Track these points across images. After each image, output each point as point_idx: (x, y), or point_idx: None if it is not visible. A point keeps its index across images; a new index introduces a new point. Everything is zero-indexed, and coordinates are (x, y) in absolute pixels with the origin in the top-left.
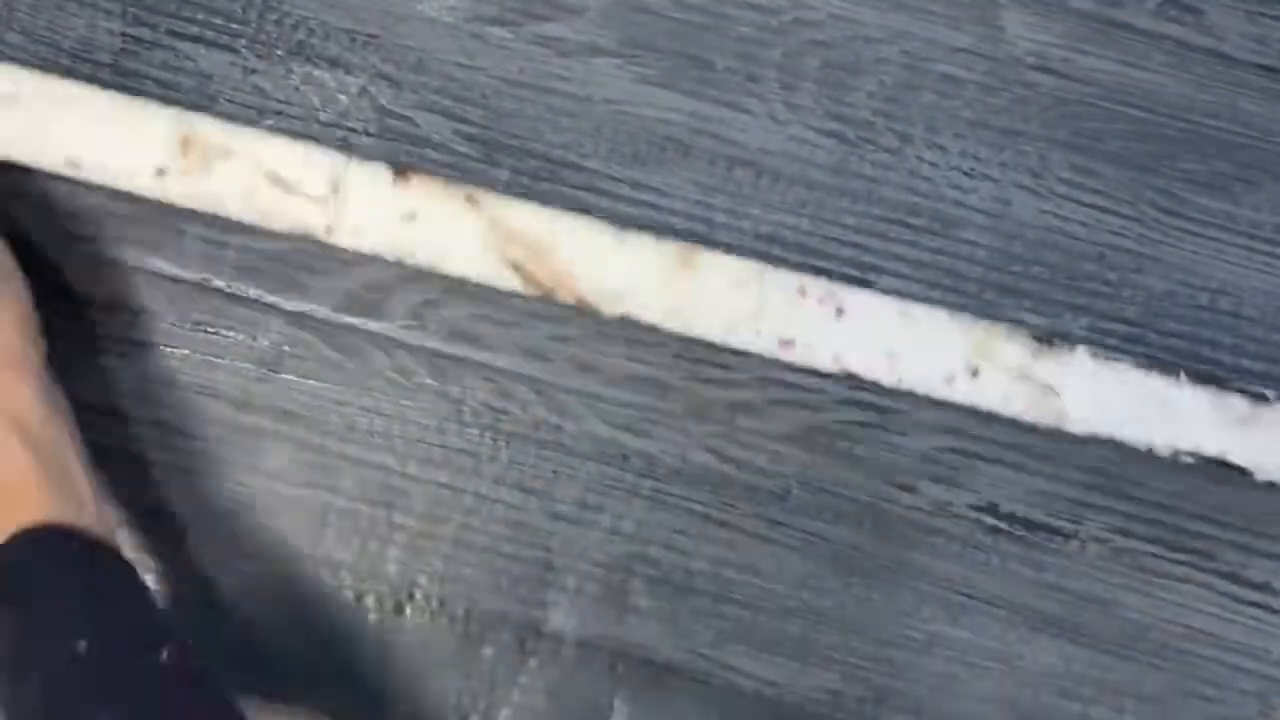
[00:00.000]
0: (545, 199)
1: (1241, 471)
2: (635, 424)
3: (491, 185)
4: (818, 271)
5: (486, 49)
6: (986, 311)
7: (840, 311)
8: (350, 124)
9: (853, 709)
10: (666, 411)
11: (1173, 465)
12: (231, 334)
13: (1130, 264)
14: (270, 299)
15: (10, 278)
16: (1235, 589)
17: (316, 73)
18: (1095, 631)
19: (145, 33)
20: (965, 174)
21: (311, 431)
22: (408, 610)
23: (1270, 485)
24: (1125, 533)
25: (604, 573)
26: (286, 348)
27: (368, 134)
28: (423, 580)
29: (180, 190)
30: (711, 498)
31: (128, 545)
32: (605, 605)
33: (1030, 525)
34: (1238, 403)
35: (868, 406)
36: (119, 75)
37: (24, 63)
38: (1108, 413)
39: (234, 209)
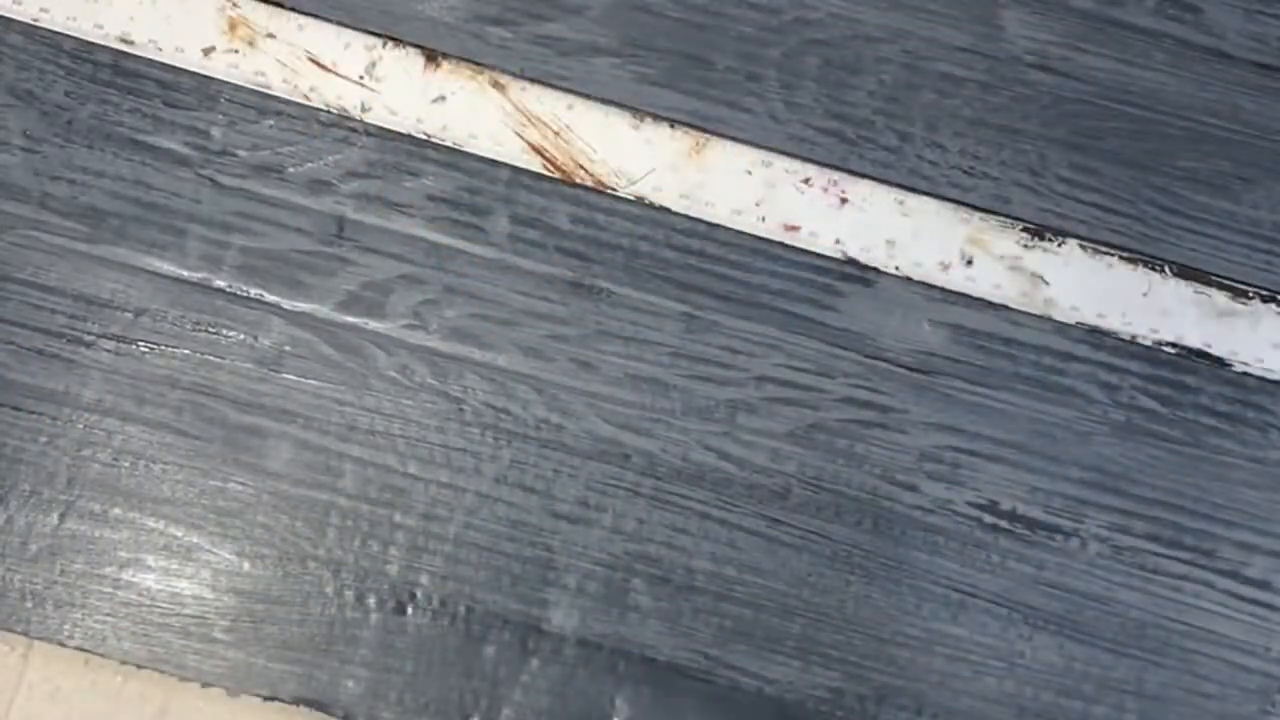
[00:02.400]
0: (547, 195)
1: (1221, 362)
2: (636, 423)
3: (516, 74)
4: (817, 270)
5: (487, 49)
6: (986, 309)
7: (844, 200)
8: (351, 124)
9: (854, 707)
10: (667, 410)
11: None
12: (232, 334)
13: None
14: (271, 298)
15: None
16: (1236, 586)
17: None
18: (1096, 629)
19: None
20: (965, 172)
21: (312, 431)
22: (409, 610)
23: (1245, 374)
24: (1125, 530)
25: (605, 571)
26: (287, 347)
27: (368, 133)
28: (424, 580)
29: (226, 68)
30: (712, 496)
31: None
32: (606, 604)
33: (1030, 523)
34: (1219, 297)
35: (867, 405)
36: (119, 75)
37: None
38: (1094, 303)
39: (276, 87)
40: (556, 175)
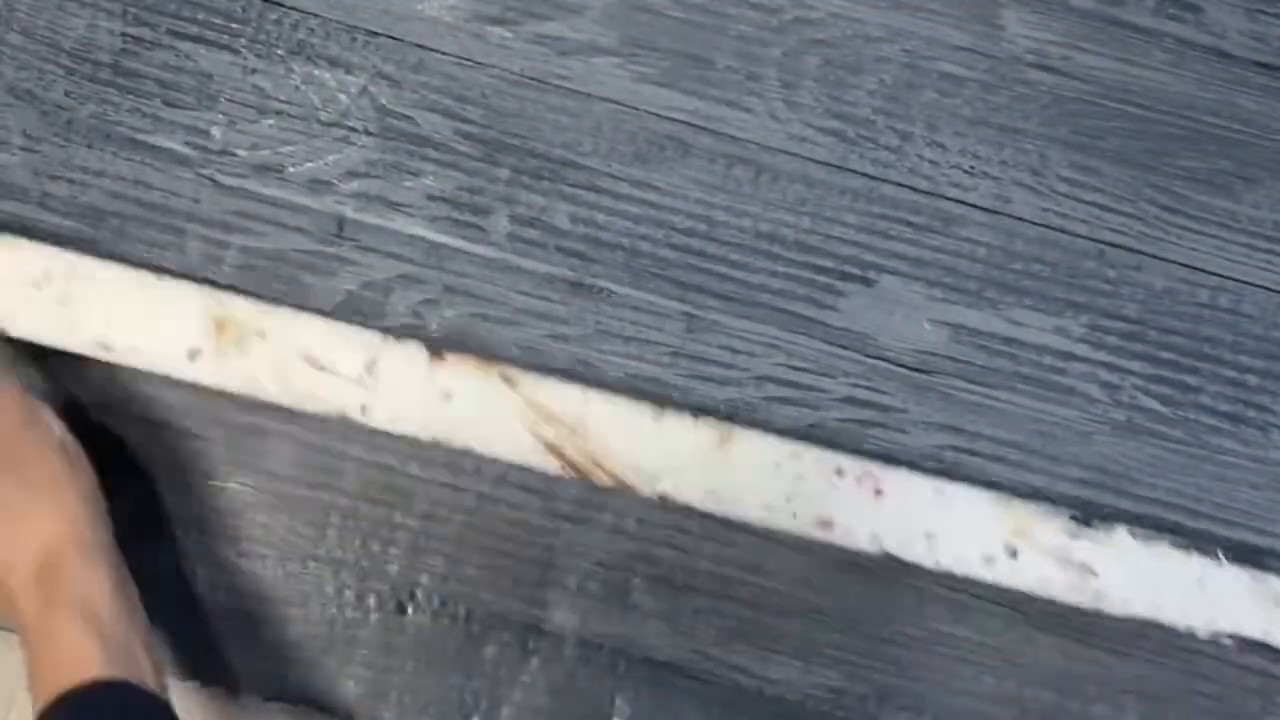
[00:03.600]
0: (548, 195)
1: None
2: None
3: (526, 365)
4: (818, 270)
5: (487, 48)
6: (987, 308)
7: (879, 492)
8: (350, 123)
9: (854, 707)
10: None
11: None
12: None
13: (1130, 261)
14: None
15: (78, 458)
16: None
17: (317, 72)
18: (1097, 629)
19: (146, 32)
20: (965, 172)
21: (313, 431)
22: (409, 610)
23: None
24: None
25: (605, 572)
26: None
27: (368, 133)
28: (424, 580)
29: (213, 372)
30: None
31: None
32: (607, 604)
33: None
34: (1276, 583)
35: (867, 405)
36: (119, 75)
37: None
38: (1146, 593)
39: (269, 391)
40: (574, 476)
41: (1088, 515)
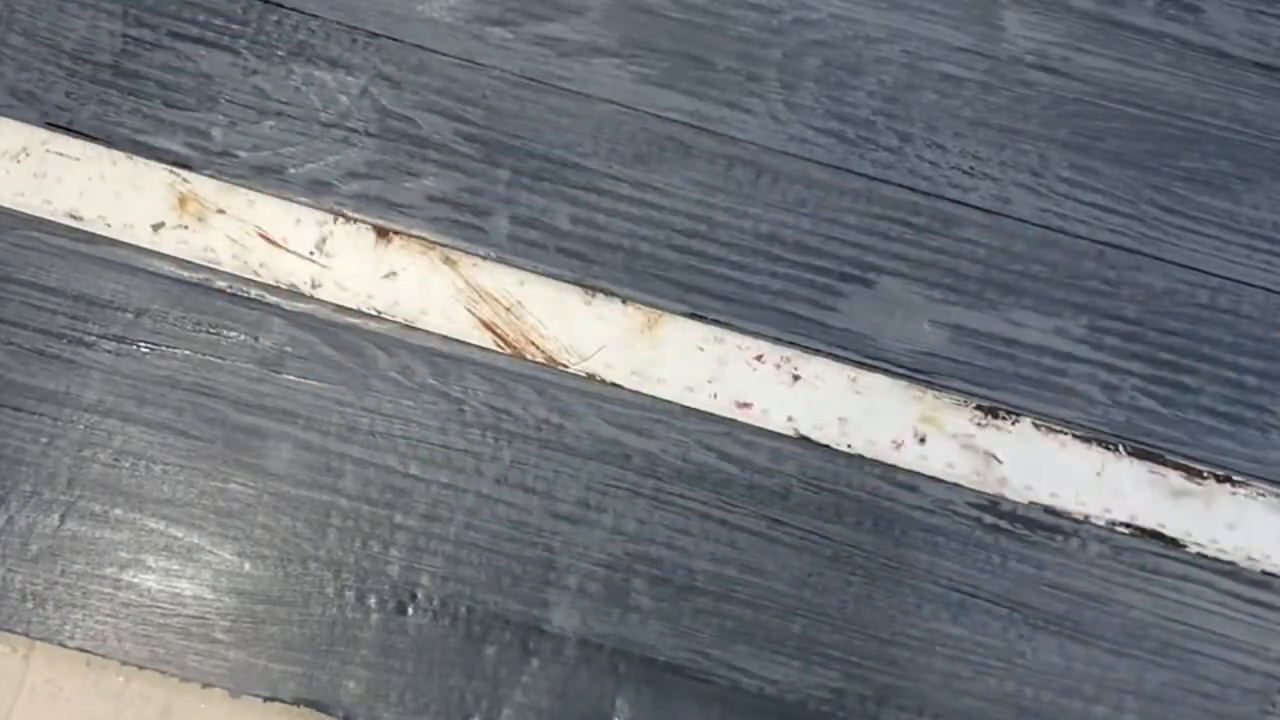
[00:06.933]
0: (548, 195)
1: (1175, 543)
2: (637, 423)
3: (470, 246)
4: (818, 270)
5: (487, 49)
6: (987, 309)
7: (796, 377)
8: (351, 124)
9: (854, 707)
10: (667, 410)
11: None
12: (233, 334)
13: (1130, 262)
14: (271, 299)
15: None
16: (1236, 586)
17: (317, 73)
18: (1096, 629)
19: (146, 34)
20: (965, 173)
21: (313, 432)
22: (410, 610)
23: (1200, 555)
24: (1126, 530)
25: (606, 572)
26: (288, 348)
27: (368, 134)
28: (425, 580)
29: (175, 244)
30: (713, 497)
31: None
32: (607, 604)
33: (1031, 524)
34: (1173, 477)
35: None
36: (120, 76)
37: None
38: (1047, 482)
39: (226, 263)
40: (507, 351)
41: (995, 408)
